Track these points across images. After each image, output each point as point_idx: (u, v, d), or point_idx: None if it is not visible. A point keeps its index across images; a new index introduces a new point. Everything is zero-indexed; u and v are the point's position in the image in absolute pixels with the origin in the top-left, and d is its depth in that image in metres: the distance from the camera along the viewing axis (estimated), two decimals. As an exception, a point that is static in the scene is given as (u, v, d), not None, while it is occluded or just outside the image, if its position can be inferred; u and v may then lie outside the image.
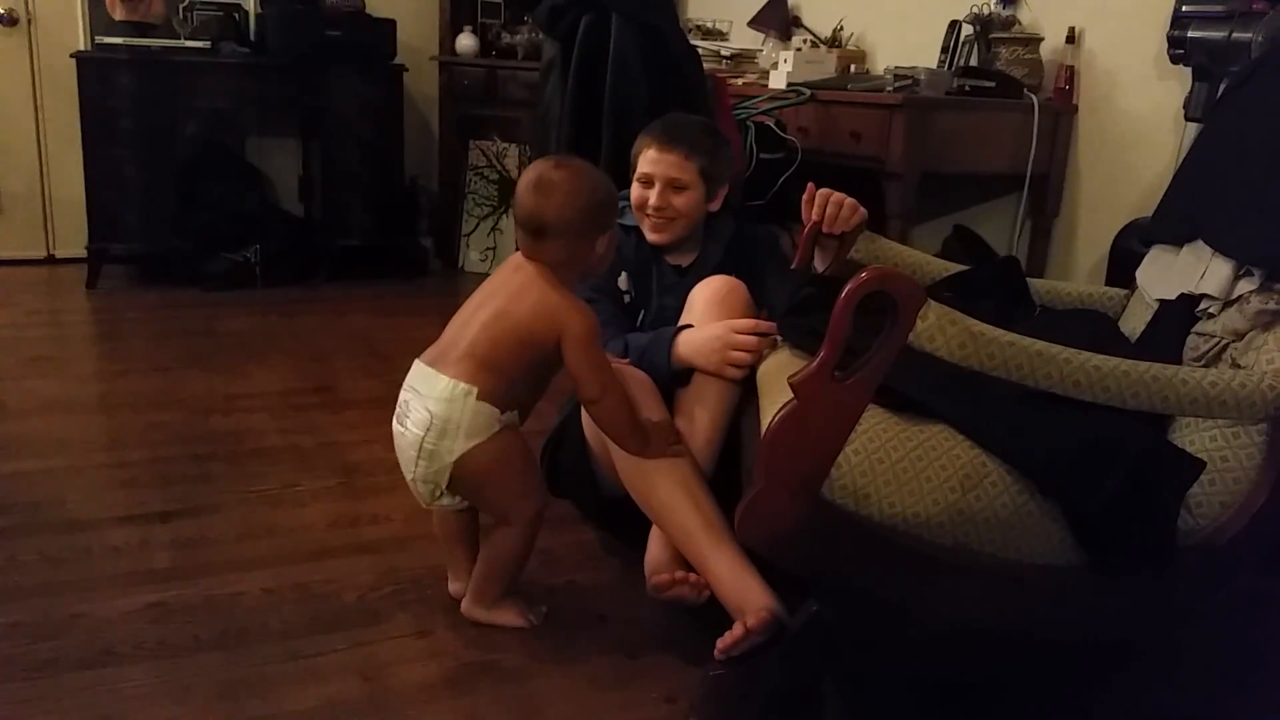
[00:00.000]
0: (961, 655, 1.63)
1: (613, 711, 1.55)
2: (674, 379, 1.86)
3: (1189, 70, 2.38)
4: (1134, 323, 1.76)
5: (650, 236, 2.05)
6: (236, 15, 4.20)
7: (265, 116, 4.41)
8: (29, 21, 4.09)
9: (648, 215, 2.03)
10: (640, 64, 2.37)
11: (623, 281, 2.07)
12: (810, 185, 1.78)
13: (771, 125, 2.83)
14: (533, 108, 3.13)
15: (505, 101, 4.37)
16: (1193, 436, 1.43)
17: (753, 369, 1.77)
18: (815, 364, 1.23)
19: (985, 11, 2.92)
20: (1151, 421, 1.42)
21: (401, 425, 1.66)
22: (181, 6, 4.14)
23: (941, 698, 1.61)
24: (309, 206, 4.54)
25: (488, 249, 4.56)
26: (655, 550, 1.80)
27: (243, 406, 2.74)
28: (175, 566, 1.90)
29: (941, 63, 2.99)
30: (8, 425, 2.56)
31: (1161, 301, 1.66)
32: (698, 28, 3.91)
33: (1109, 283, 2.41)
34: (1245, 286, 1.48)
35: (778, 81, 3.01)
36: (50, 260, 4.29)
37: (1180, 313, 1.59)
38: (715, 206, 2.05)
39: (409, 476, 1.67)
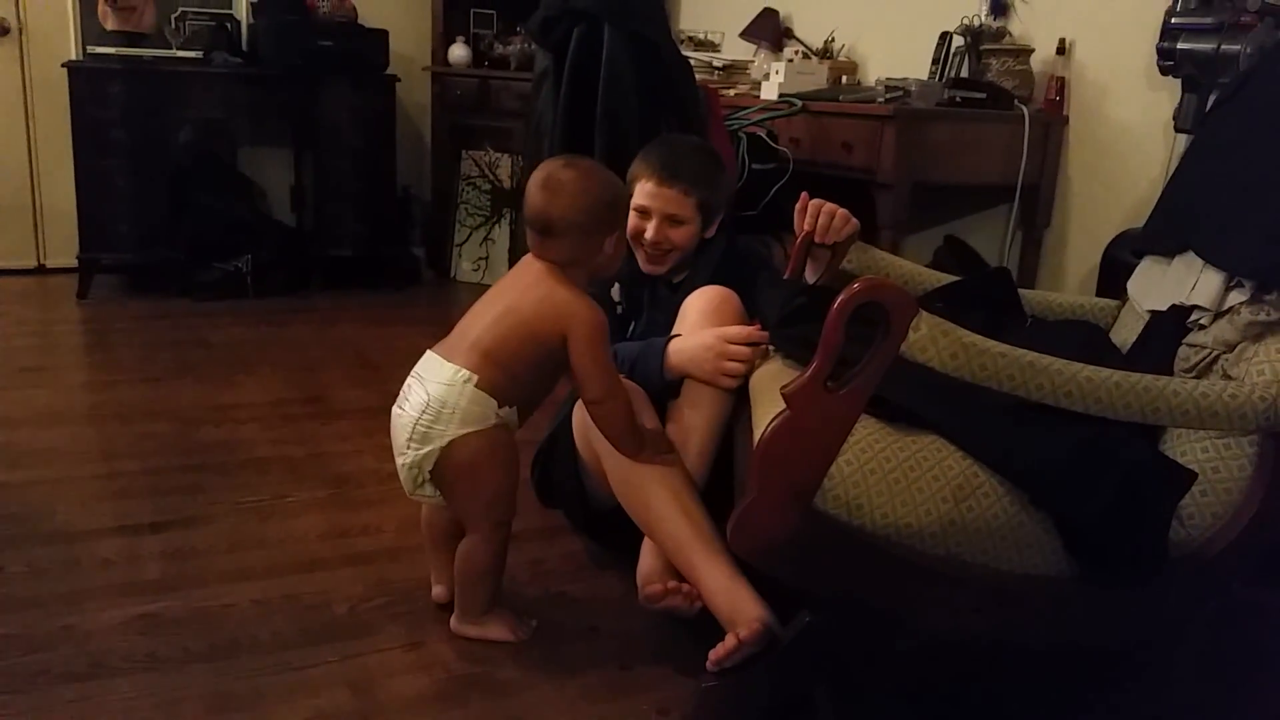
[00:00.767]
0: (954, 666, 1.62)
1: (605, 723, 1.55)
2: (666, 388, 1.86)
3: (1179, 81, 2.40)
4: (1125, 334, 1.76)
5: (645, 267, 2.05)
6: (228, 25, 4.21)
7: (257, 126, 4.41)
8: (20, 31, 4.09)
9: (643, 246, 2.03)
10: (632, 75, 2.37)
11: (615, 292, 2.07)
12: (804, 195, 1.78)
13: (763, 136, 2.84)
14: (525, 118, 3.14)
15: (498, 112, 4.37)
16: (1184, 447, 1.43)
17: (745, 378, 1.77)
18: (808, 374, 1.22)
19: (976, 23, 2.93)
20: (1143, 432, 1.43)
21: (400, 407, 1.66)
22: (173, 16, 4.15)
23: (934, 708, 1.61)
24: (301, 216, 4.54)
25: (480, 259, 4.56)
26: (648, 561, 1.80)
27: (234, 417, 2.73)
28: (165, 578, 1.90)
29: (932, 74, 3.00)
30: (-3, 436, 2.56)
31: (1152, 313, 1.67)
32: (689, 39, 3.93)
33: (1100, 293, 2.41)
34: (1236, 298, 1.48)
35: (769, 92, 3.02)
36: (41, 270, 4.29)
37: (1171, 324, 1.60)
38: (710, 234, 2.05)
39: (398, 460, 1.67)
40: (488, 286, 4.57)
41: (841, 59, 3.46)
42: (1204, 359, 1.51)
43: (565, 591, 1.93)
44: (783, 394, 1.26)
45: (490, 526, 1.70)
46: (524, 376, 1.66)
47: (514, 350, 1.64)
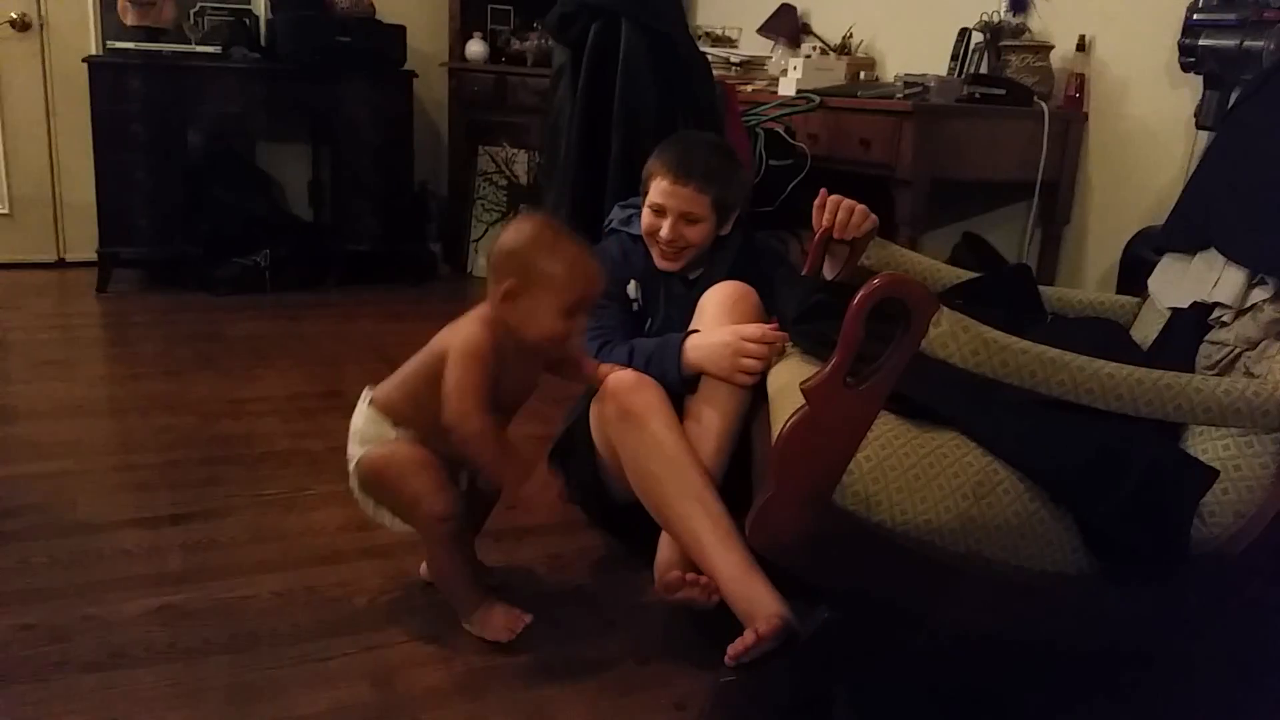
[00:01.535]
0: (973, 663, 1.62)
1: (622, 717, 1.55)
2: (683, 385, 1.86)
3: (1200, 78, 2.38)
4: (1146, 331, 1.76)
5: (659, 264, 2.06)
6: (247, 20, 4.23)
7: (275, 122, 4.43)
8: (41, 26, 4.12)
9: (658, 244, 2.03)
10: (649, 71, 2.37)
11: (631, 289, 2.08)
12: (822, 191, 1.78)
13: (781, 132, 2.83)
14: (543, 114, 3.14)
15: (515, 108, 4.38)
16: (1206, 445, 1.43)
17: (763, 375, 1.77)
18: (827, 370, 1.22)
19: (995, 19, 2.92)
20: (1164, 430, 1.42)
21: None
22: (192, 11, 4.17)
23: (952, 706, 1.61)
24: (318, 211, 4.56)
25: (496, 254, 4.56)
26: (665, 554, 1.80)
27: (253, 410, 2.74)
28: (186, 569, 1.91)
29: (951, 70, 2.99)
30: (18, 428, 2.57)
31: (1174, 310, 1.66)
32: (707, 34, 3.92)
33: (1120, 291, 2.40)
34: (1259, 295, 1.48)
35: (787, 88, 3.02)
36: (61, 264, 4.32)
37: (1193, 321, 1.59)
38: (726, 231, 2.05)
39: None
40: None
41: (859, 55, 3.46)
42: (1226, 356, 1.51)
43: (582, 586, 1.94)
44: (802, 390, 1.26)
45: (424, 532, 1.73)
46: (424, 395, 1.67)
47: (415, 369, 1.73)
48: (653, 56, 2.37)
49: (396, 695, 1.58)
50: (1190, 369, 1.53)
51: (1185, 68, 2.39)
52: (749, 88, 3.25)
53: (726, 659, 1.50)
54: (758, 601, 1.58)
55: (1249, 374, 1.45)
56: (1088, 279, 2.85)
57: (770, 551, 1.39)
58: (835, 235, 1.77)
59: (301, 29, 4.00)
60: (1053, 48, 2.86)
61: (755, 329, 1.81)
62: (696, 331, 1.89)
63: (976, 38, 2.95)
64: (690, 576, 1.67)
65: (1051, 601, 1.39)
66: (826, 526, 1.32)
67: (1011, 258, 2.98)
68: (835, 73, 3.12)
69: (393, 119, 4.23)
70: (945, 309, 1.25)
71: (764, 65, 3.54)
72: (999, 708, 1.62)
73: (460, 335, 1.66)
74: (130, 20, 3.96)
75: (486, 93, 4.45)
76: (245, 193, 4.20)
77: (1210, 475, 1.36)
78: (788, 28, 3.68)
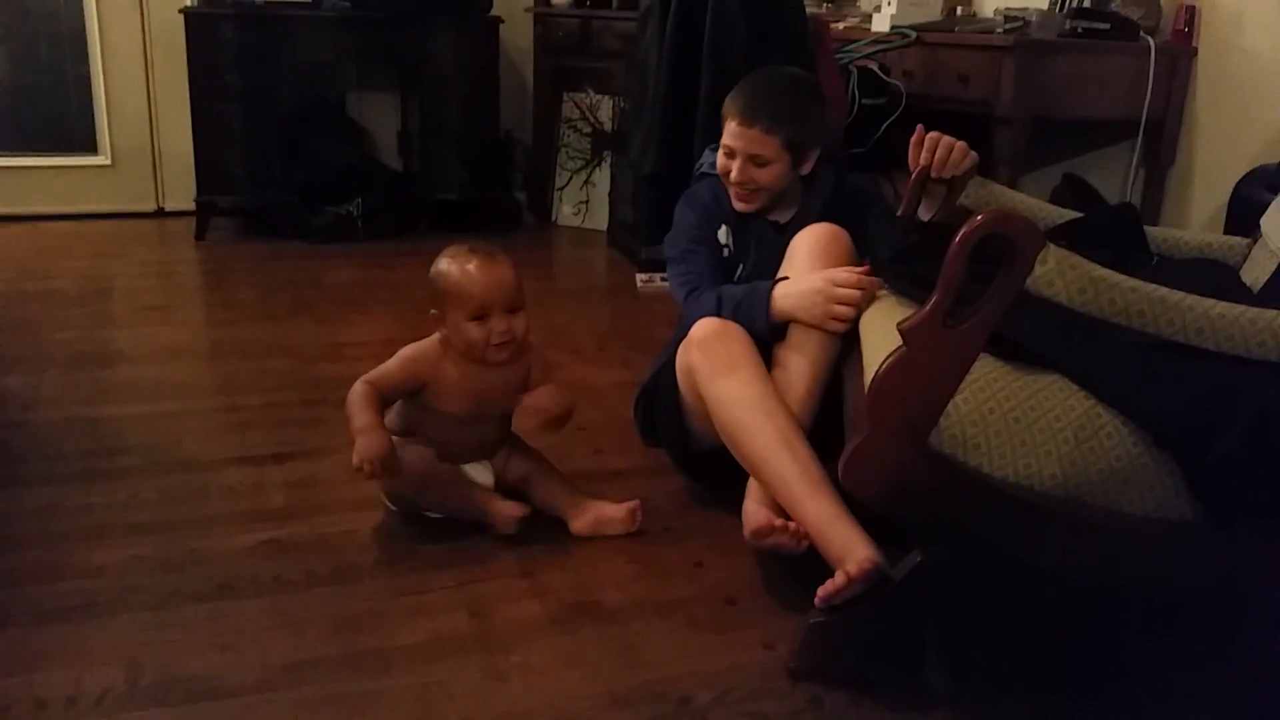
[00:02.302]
0: (1069, 609, 1.60)
1: (712, 655, 1.57)
2: (771, 333, 1.85)
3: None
4: (1256, 273, 1.69)
5: (736, 205, 2.04)
6: (337, -32, 4.25)
7: (365, 71, 4.47)
8: (139, -21, 4.20)
9: (731, 185, 2.01)
10: (739, 8, 2.33)
11: (722, 234, 2.06)
12: (919, 128, 1.73)
13: (875, 69, 2.77)
14: (630, 57, 3.12)
15: (600, 53, 4.34)
16: (1322, 389, 1.37)
17: (854, 321, 1.75)
18: (927, 310, 1.20)
19: (1101, -51, 2.80)
20: (1276, 372, 1.36)
21: None
22: (284, -40, 4.21)
23: (1046, 652, 1.59)
24: (407, 160, 4.60)
25: (580, 203, 4.57)
26: (753, 500, 1.80)
27: (348, 355, 2.81)
28: (289, 505, 1.97)
29: (1053, 4, 2.88)
30: (125, 370, 2.67)
31: (1290, 249, 1.59)
32: (796, -28, 3.83)
33: (1227, 233, 2.31)
34: (1385, 233, 1.40)
35: (881, 24, 2.94)
36: (160, 213, 4.44)
37: (1310, 261, 1.52)
38: (806, 170, 2.01)
39: None
40: (588, 231, 4.57)
41: (956, -10, 3.35)
42: (1347, 298, 1.44)
43: (670, 528, 1.95)
44: (900, 330, 1.24)
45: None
46: (390, 398, 1.87)
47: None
48: (743, -6, 2.33)
49: (492, 627, 1.62)
50: (1306, 311, 1.46)
51: (1307, -4, 2.27)
52: (841, 24, 3.17)
53: (816, 600, 1.50)
54: (849, 546, 1.57)
55: (1372, 316, 1.38)
56: (1193, 221, 2.75)
57: (863, 494, 1.38)
58: (933, 174, 1.72)
59: (390, -25, 4.01)
60: (1162, -22, 2.73)
61: (847, 273, 1.78)
62: (785, 279, 1.87)
63: (1080, -30, 2.84)
64: (779, 522, 1.67)
65: (1152, 548, 1.35)
66: (922, 470, 1.30)
67: (1113, 199, 2.89)
68: (931, 8, 3.03)
69: (479, 66, 4.23)
70: (1052, 246, 1.22)
71: (856, 1, 3.45)
72: (1093, 654, 1.59)
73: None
74: (224, -30, 4.03)
75: (571, 37, 4.42)
76: (337, 142, 4.25)
77: (1327, 420, 1.30)
78: (880, -37, 3.57)
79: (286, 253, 3.92)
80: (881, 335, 1.51)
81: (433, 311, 1.87)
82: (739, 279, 2.04)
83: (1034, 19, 2.61)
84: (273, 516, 1.93)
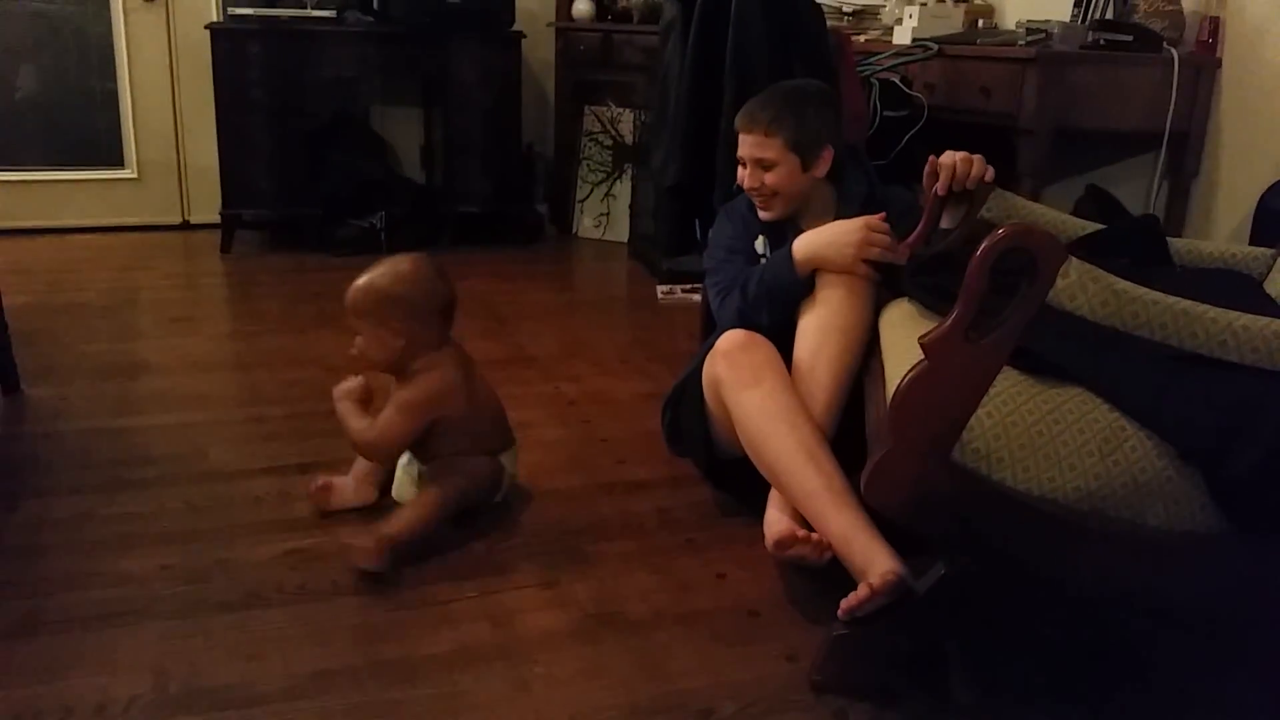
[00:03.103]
0: (1092, 622, 1.59)
1: (734, 666, 1.57)
2: (799, 287, 1.88)
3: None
4: (1280, 286, 1.68)
5: (760, 214, 2.06)
6: (360, -17, 4.30)
7: (389, 85, 4.51)
8: (167, -4, 4.26)
9: (748, 192, 2.06)
10: (762, 22, 2.34)
11: (759, 245, 2.08)
12: (931, 159, 1.73)
13: (896, 82, 2.77)
14: (649, 72, 3.13)
15: (621, 66, 4.37)
16: (1350, 402, 1.36)
17: (875, 325, 1.76)
18: (949, 323, 1.20)
19: (1123, -39, 2.80)
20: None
21: None
22: (308, -25, 4.26)
23: (1070, 665, 1.58)
24: (430, 174, 4.64)
25: (601, 215, 4.58)
26: (775, 510, 1.81)
27: (371, 366, 2.82)
28: (314, 516, 1.98)
29: (1075, 16, 2.88)
30: (151, 381, 2.70)
31: (1316, 262, 1.58)
32: (818, -15, 3.84)
33: (1253, 245, 2.30)
34: None
35: (902, 37, 2.95)
36: (186, 226, 4.48)
37: (1337, 274, 1.51)
38: (821, 172, 2.02)
39: None
40: (609, 243, 4.58)
41: (977, 2, 3.35)
42: (1374, 310, 1.43)
43: (693, 539, 1.96)
44: (921, 344, 1.24)
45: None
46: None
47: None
48: (765, 6, 2.33)
49: (515, 637, 1.63)
50: (1334, 323, 1.45)
51: (1332, 7, 2.25)
52: (862, 37, 3.18)
53: (840, 612, 1.50)
54: (872, 558, 1.57)
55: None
56: (1218, 233, 2.73)
57: (886, 508, 1.38)
58: (954, 187, 1.72)
59: (413, -9, 4.05)
60: (1185, -10, 2.73)
61: (883, 224, 1.82)
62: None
63: (1102, -18, 2.83)
64: (801, 533, 1.68)
65: (1177, 561, 1.34)
66: (945, 483, 1.30)
67: (1137, 211, 2.87)
68: (952, 20, 3.03)
69: (502, 80, 4.26)
70: (1074, 259, 1.22)
71: (878, 14, 3.45)
72: (1118, 668, 1.58)
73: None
74: (249, -14, 4.08)
75: (593, 51, 4.45)
76: (361, 156, 4.29)
77: (1355, 433, 1.29)
78: (901, -24, 3.58)
79: (311, 265, 3.96)
80: (903, 347, 1.52)
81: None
82: None
83: (1056, 31, 2.60)
84: (298, 526, 1.95)
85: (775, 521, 1.77)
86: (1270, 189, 2.40)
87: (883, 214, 1.87)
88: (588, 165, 4.60)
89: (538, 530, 1.96)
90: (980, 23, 3.17)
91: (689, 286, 3.60)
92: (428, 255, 2.00)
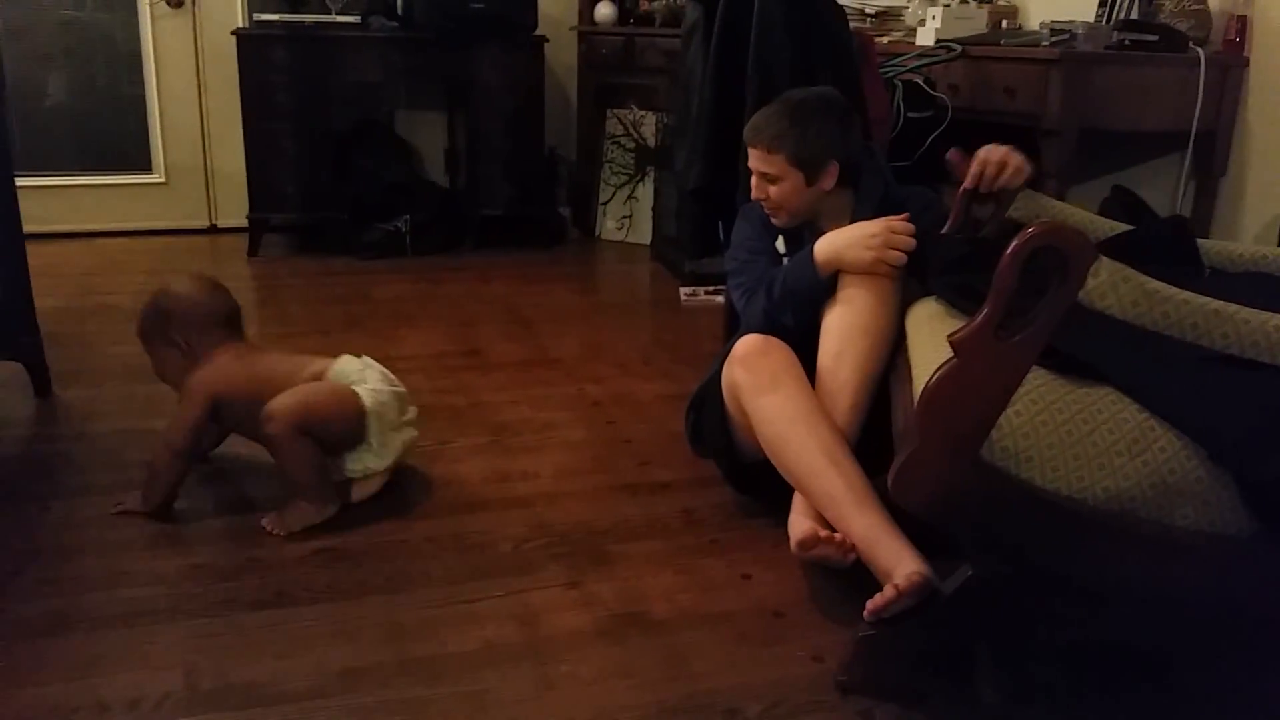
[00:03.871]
0: (1121, 623, 1.58)
1: (760, 667, 1.57)
2: (824, 289, 1.88)
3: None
4: (1314, 286, 1.66)
5: (771, 220, 2.08)
6: (384, -12, 4.33)
7: (413, 89, 4.53)
8: (193, 2, 4.29)
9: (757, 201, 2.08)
10: (784, 24, 2.34)
11: (780, 244, 2.09)
12: (953, 150, 1.73)
13: (920, 83, 2.77)
14: (671, 75, 3.14)
15: (643, 69, 4.38)
16: (1383, 402, 1.35)
17: (901, 324, 1.75)
18: (978, 321, 1.20)
19: (1148, -39, 2.78)
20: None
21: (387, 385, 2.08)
22: (332, -19, 4.29)
23: (1098, 665, 1.58)
24: (454, 177, 4.66)
25: (624, 217, 4.60)
26: (798, 512, 1.80)
27: (399, 368, 2.79)
28: (342, 515, 1.99)
29: (1099, 16, 2.86)
30: (183, 383, 2.72)
31: (1348, 262, 1.57)
32: (841, -13, 3.83)
33: (1282, 245, 2.28)
34: None
35: (925, 38, 2.94)
36: (213, 230, 4.52)
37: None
38: (827, 186, 2.02)
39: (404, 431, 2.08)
40: (632, 245, 4.58)
41: (1001, 3, 3.33)
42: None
43: (717, 540, 1.96)
44: (951, 342, 1.24)
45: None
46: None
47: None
48: (787, 9, 2.33)
49: (542, 637, 1.64)
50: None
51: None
52: (885, 39, 3.18)
53: (865, 614, 1.50)
54: (897, 560, 1.57)
55: None
56: (1246, 233, 2.71)
57: (913, 507, 1.38)
58: (982, 189, 1.72)
59: (437, -4, 4.07)
60: (1211, -11, 2.71)
61: (905, 224, 1.83)
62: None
63: (1128, -19, 2.82)
64: (825, 534, 1.68)
65: (1207, 562, 1.34)
66: (973, 483, 1.30)
67: (1163, 212, 2.85)
68: (976, 21, 3.02)
69: (525, 84, 4.28)
70: (1104, 258, 1.22)
71: (900, 15, 3.45)
72: (1146, 669, 1.57)
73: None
74: (275, -9, 4.11)
75: (615, 55, 4.46)
76: (386, 160, 4.32)
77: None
78: (925, -22, 3.57)
79: (337, 268, 3.99)
80: (930, 347, 1.52)
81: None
82: None
83: (1080, 31, 2.59)
84: (327, 525, 1.96)
85: (799, 523, 1.77)
86: (1300, 189, 2.39)
87: (905, 214, 1.86)
88: (610, 168, 4.61)
89: (562, 530, 1.97)
90: (1004, 23, 3.16)
91: (712, 288, 3.60)
92: (203, 274, 2.26)
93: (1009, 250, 1.15)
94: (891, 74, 2.77)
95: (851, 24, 2.79)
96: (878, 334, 1.83)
